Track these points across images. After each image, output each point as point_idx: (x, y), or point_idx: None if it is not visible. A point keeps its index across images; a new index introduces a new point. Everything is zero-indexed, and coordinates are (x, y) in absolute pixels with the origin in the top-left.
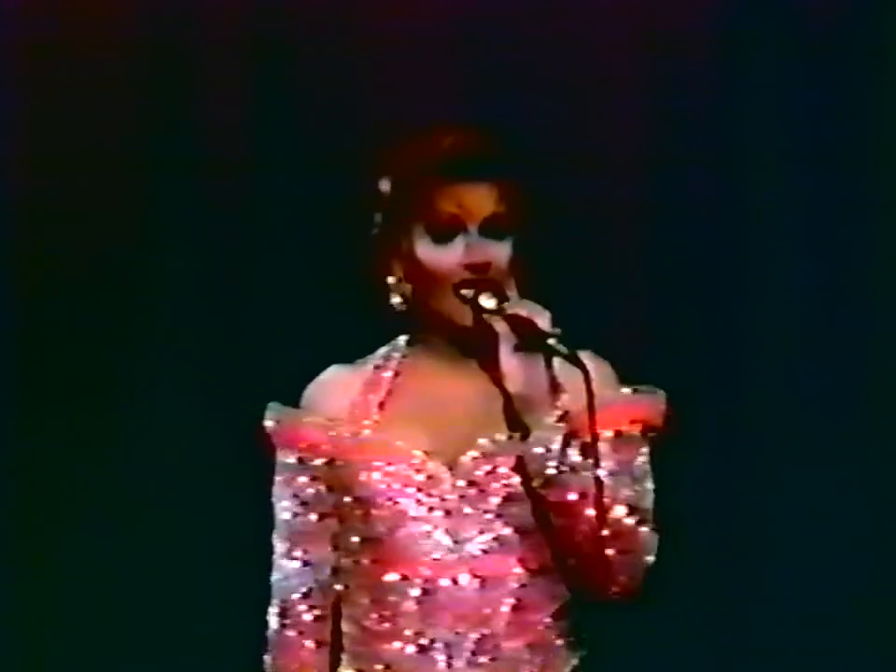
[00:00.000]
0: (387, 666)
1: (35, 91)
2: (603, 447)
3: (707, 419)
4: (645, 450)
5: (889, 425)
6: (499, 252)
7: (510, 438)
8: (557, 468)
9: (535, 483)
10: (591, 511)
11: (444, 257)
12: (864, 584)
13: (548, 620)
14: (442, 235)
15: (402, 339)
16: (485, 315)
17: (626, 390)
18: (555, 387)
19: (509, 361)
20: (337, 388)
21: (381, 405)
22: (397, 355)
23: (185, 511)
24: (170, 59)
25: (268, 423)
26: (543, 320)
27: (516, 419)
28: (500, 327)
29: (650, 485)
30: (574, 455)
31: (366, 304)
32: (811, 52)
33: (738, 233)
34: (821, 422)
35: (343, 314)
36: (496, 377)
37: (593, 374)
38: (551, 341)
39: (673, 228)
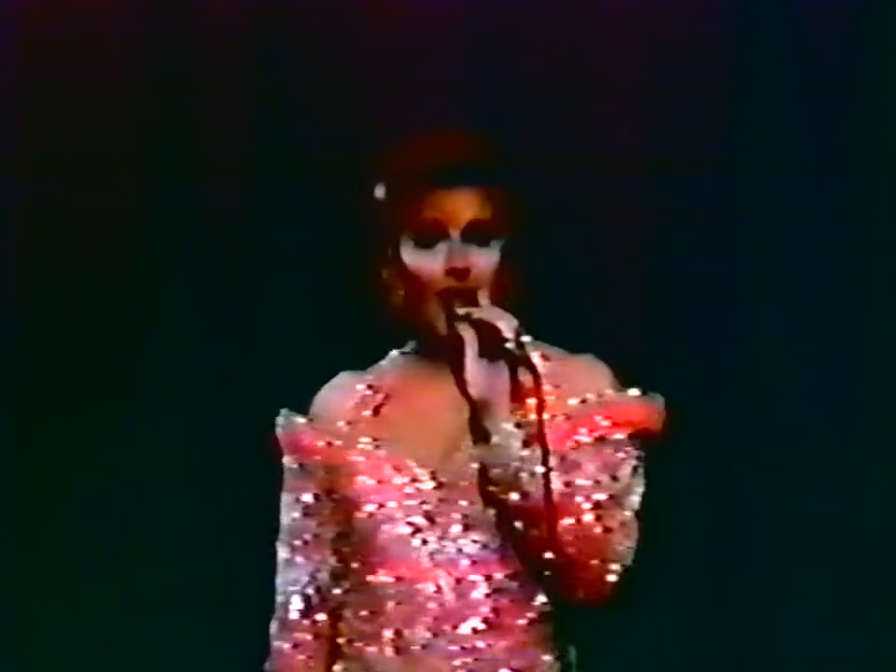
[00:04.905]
0: (369, 668)
1: (35, 90)
2: (585, 450)
3: (708, 423)
4: (632, 454)
5: (888, 429)
6: (482, 257)
7: (474, 444)
8: (517, 472)
9: (495, 489)
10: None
11: (426, 263)
12: (863, 590)
13: (527, 623)
14: (425, 241)
15: (396, 351)
16: (454, 322)
17: (616, 394)
18: (519, 393)
19: (473, 367)
20: (340, 394)
21: (375, 411)
22: (396, 361)
23: (198, 520)
24: (169, 60)
25: (277, 429)
26: (507, 325)
27: (477, 425)
28: (467, 333)
29: (634, 490)
30: (536, 460)
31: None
32: (812, 54)
33: (738, 236)
34: (821, 427)
35: (364, 320)
36: (460, 384)
37: (588, 377)
38: (509, 345)
39: (673, 231)
